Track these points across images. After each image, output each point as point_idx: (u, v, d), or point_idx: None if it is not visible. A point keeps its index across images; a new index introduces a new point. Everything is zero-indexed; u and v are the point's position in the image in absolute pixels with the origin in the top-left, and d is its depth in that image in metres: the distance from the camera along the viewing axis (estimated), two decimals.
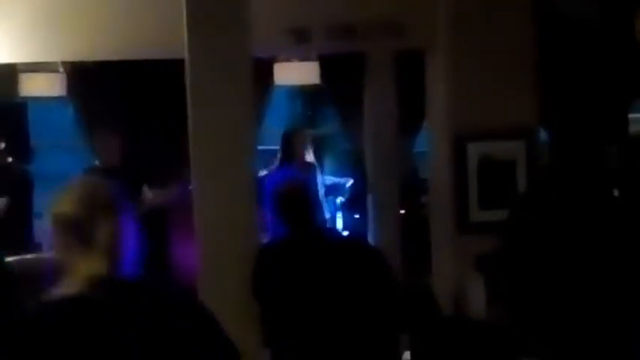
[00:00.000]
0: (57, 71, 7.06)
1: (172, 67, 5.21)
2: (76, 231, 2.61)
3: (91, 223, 2.61)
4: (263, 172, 7.33)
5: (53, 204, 2.69)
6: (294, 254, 4.18)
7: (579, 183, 3.68)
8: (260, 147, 6.90)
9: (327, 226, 7.10)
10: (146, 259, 2.62)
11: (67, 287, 2.56)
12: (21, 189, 6.74)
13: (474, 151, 5.37)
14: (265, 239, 5.66)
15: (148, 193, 6.82)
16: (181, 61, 4.93)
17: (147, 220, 5.71)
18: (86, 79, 7.06)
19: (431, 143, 5.85)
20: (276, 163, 7.54)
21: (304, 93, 8.85)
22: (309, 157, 7.63)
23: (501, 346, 4.20)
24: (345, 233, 7.81)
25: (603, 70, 7.38)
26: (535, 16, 5.51)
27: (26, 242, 6.49)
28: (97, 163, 7.09)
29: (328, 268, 4.10)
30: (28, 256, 4.97)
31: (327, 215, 7.65)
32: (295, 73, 7.39)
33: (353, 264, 4.15)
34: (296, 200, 4.20)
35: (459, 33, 5.41)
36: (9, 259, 4.33)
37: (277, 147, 7.73)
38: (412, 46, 5.67)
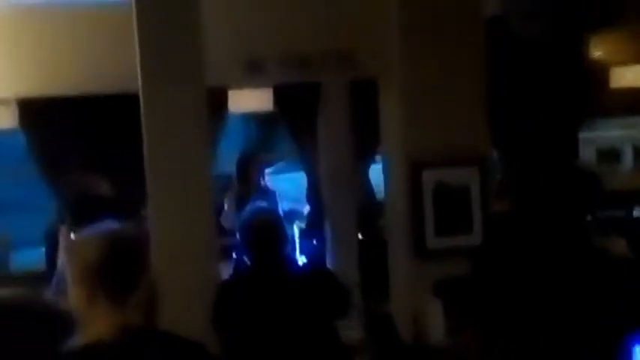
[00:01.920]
0: (8, 103, 7.01)
1: (126, 101, 5.21)
2: (106, 279, 2.48)
3: (123, 271, 2.49)
4: (226, 201, 7.34)
5: (74, 250, 2.55)
6: (257, 287, 4.19)
7: (534, 206, 3.72)
8: (216, 173, 6.92)
9: (289, 255, 7.10)
10: None
11: (88, 337, 2.45)
12: None
13: (429, 177, 5.41)
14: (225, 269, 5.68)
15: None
16: (135, 95, 4.95)
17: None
18: (38, 111, 7.00)
19: (386, 169, 5.89)
20: (234, 189, 7.55)
21: (259, 119, 8.88)
22: (266, 182, 7.65)
23: None
24: (304, 260, 7.83)
25: (554, 91, 7.47)
26: (486, 38, 5.57)
27: None
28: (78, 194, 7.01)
29: (289, 300, 4.11)
30: None
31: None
32: (249, 100, 7.39)
33: (314, 295, 4.16)
34: (267, 233, 4.21)
35: (411, 61, 5.46)
36: None
37: (232, 172, 7.74)
38: (365, 75, 5.71)
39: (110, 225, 2.65)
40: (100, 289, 2.46)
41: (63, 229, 6.57)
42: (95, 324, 2.47)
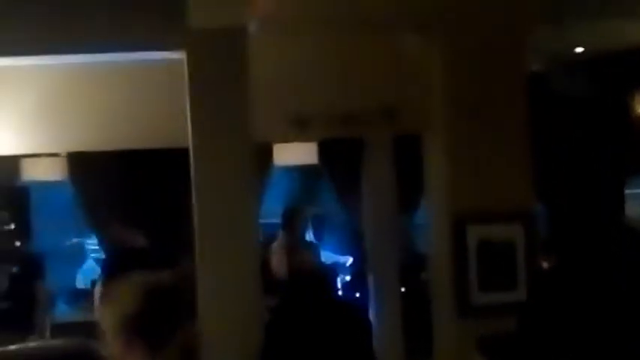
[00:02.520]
0: (57, 155, 7.15)
1: (171, 156, 5.31)
2: (143, 330, 2.44)
3: (160, 321, 2.44)
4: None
5: (108, 304, 2.53)
6: (305, 331, 4.22)
7: (583, 263, 3.70)
8: (261, 221, 7.01)
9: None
10: None
11: None
12: (31, 271, 6.78)
13: (473, 233, 5.41)
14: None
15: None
16: (180, 150, 5.05)
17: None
18: (86, 164, 7.14)
19: (430, 224, 5.89)
20: (278, 239, 7.61)
21: (303, 172, 8.94)
22: (309, 235, 7.70)
23: None
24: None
25: (599, 148, 7.47)
26: (529, 94, 5.59)
27: (32, 327, 6.52)
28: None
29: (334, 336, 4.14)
30: (36, 342, 4.96)
31: None
32: (294, 153, 7.48)
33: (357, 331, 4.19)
34: (318, 279, 4.25)
35: (455, 115, 5.49)
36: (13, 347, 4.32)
37: (276, 221, 7.81)
38: (408, 129, 5.75)
39: (147, 275, 2.64)
40: (136, 340, 2.44)
41: (98, 284, 6.66)
42: None
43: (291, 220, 7.70)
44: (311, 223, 7.92)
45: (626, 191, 7.84)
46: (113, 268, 6.63)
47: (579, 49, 7.17)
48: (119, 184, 7.32)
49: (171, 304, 2.51)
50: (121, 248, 6.97)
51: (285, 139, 5.96)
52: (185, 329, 2.50)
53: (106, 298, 2.52)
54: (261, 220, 7.38)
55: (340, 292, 7.90)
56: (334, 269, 7.71)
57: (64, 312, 8.13)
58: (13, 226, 6.70)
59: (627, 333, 3.43)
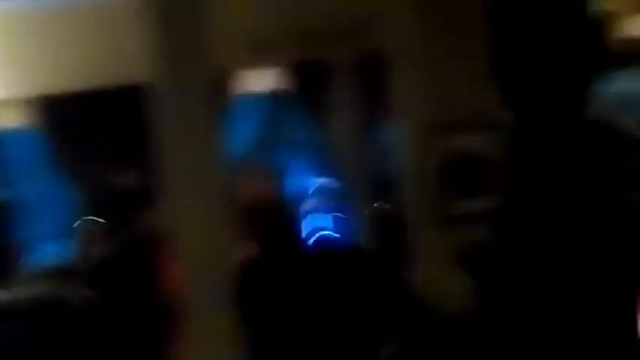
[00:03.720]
0: (25, 103, 7.06)
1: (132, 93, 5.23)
2: None
3: None
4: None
5: None
6: (278, 267, 4.21)
7: (554, 164, 3.69)
8: (230, 155, 6.96)
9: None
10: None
11: None
12: (5, 219, 6.74)
13: (444, 144, 5.41)
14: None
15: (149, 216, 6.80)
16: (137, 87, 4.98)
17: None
18: (54, 109, 7.05)
19: (400, 139, 5.88)
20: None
21: (269, 99, 8.88)
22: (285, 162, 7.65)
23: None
24: (334, 235, 7.84)
25: (562, 44, 7.42)
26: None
27: (9, 274, 6.50)
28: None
29: (313, 276, 4.14)
30: (16, 290, 4.98)
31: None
32: (259, 80, 7.42)
33: (336, 272, 4.18)
34: (276, 212, 4.23)
35: (419, 28, 5.44)
36: None
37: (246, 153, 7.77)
38: (374, 45, 5.70)
39: None
40: None
41: (84, 223, 6.64)
42: None
43: (262, 149, 7.65)
44: (280, 150, 7.85)
45: (594, 87, 7.82)
46: (100, 208, 6.60)
47: None
48: (89, 127, 7.24)
49: None
50: (103, 189, 6.94)
51: (247, 66, 5.88)
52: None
53: None
54: (231, 155, 7.36)
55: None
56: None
57: (44, 257, 8.12)
58: None
59: (603, 226, 3.45)
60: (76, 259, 6.77)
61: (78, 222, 6.86)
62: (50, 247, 8.02)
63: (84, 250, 6.71)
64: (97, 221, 6.76)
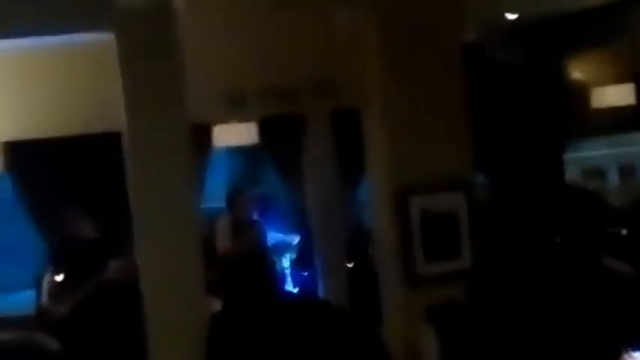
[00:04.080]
0: None
1: (109, 140, 5.23)
2: None
3: None
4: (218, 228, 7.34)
5: None
6: (249, 319, 4.18)
7: (526, 228, 3.73)
8: (203, 206, 6.95)
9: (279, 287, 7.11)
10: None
11: None
12: None
13: (416, 204, 5.42)
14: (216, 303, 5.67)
15: (113, 267, 6.75)
16: (117, 134, 4.98)
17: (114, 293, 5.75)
18: (24, 154, 7.00)
19: (373, 198, 5.90)
20: (224, 219, 7.56)
21: (244, 153, 8.90)
22: (255, 215, 7.66)
23: None
24: (295, 291, 7.82)
25: (536, 113, 7.51)
26: (464, 65, 5.61)
27: None
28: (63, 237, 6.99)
29: (284, 332, 4.11)
30: None
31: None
32: (234, 134, 7.42)
33: (307, 325, 4.16)
34: (255, 266, 4.21)
35: (392, 89, 5.49)
36: None
37: (220, 205, 7.76)
38: (347, 104, 5.74)
39: None
40: None
41: (47, 275, 6.57)
42: None
43: (236, 201, 7.67)
44: (256, 204, 7.88)
45: (565, 156, 7.93)
46: (61, 260, 6.53)
47: (512, 16, 7.20)
48: (58, 173, 7.19)
49: None
50: (66, 239, 6.87)
51: (223, 119, 5.90)
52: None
53: None
54: (204, 205, 7.37)
55: (288, 272, 7.90)
56: (275, 252, 7.70)
57: (8, 306, 8.02)
58: None
59: (575, 293, 3.47)
60: (43, 308, 6.69)
61: (44, 271, 6.79)
62: (16, 295, 7.94)
63: (50, 300, 6.63)
64: (64, 271, 6.69)
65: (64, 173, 7.21)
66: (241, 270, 4.21)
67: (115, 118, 4.96)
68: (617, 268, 3.94)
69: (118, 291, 6.21)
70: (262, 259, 4.27)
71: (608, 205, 3.79)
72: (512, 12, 7.08)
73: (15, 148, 6.59)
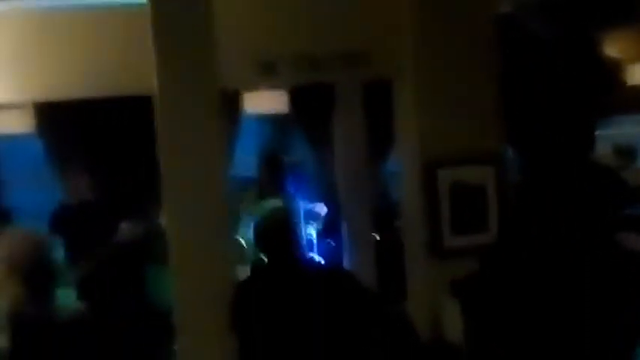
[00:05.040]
0: (24, 108, 7.04)
1: (140, 104, 5.23)
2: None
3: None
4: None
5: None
6: (274, 286, 4.20)
7: (552, 203, 3.69)
8: (232, 174, 6.96)
9: (305, 255, 7.12)
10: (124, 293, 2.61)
11: None
12: None
13: (445, 176, 5.41)
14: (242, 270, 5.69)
15: (125, 229, 6.79)
16: (148, 98, 4.97)
17: (124, 255, 5.75)
18: (54, 116, 7.03)
19: (401, 170, 5.88)
20: (253, 191, 7.56)
21: (274, 122, 8.88)
22: (287, 184, 7.65)
23: None
24: (321, 261, 7.83)
25: (569, 88, 7.43)
26: (498, 38, 5.56)
27: None
28: (67, 199, 7.06)
29: (307, 300, 4.12)
30: None
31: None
32: (264, 102, 7.40)
33: (332, 293, 4.16)
34: (280, 231, 4.23)
35: (424, 61, 5.46)
36: None
37: (248, 174, 7.75)
38: (378, 75, 5.71)
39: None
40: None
41: None
42: None
43: (266, 170, 7.65)
44: (287, 172, 7.87)
45: (597, 132, 7.84)
46: (56, 222, 6.53)
47: None
48: (87, 135, 7.23)
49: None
50: (67, 205, 6.92)
51: (254, 86, 5.88)
52: None
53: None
54: (234, 173, 7.37)
55: (314, 241, 7.90)
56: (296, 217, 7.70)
57: None
58: None
59: (595, 271, 3.44)
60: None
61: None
62: None
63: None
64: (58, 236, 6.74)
65: (93, 135, 7.25)
66: (266, 232, 4.22)
67: (147, 82, 4.95)
68: (633, 244, 3.90)
69: (132, 253, 6.25)
70: (287, 223, 4.27)
71: (628, 185, 3.74)
72: None
73: (44, 108, 6.61)
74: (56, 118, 7.11)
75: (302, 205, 8.00)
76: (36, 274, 3.09)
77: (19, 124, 7.10)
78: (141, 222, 6.86)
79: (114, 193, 7.10)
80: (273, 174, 7.57)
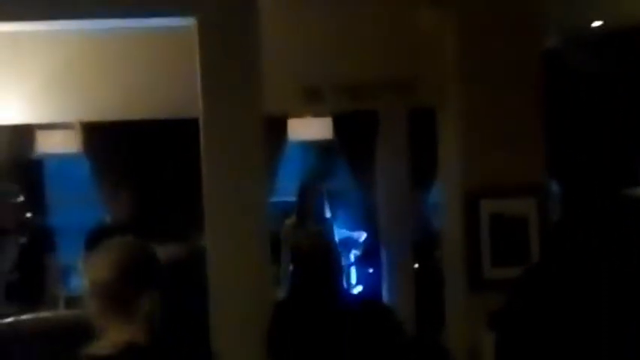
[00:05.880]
0: (72, 128, 7.16)
1: (186, 127, 5.28)
2: (114, 298, 2.58)
3: (131, 290, 2.58)
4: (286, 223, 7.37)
5: (88, 267, 2.64)
6: (311, 315, 4.20)
7: (594, 238, 3.66)
8: (274, 199, 6.99)
9: (344, 283, 7.12)
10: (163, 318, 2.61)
11: (98, 349, 2.56)
12: (42, 243, 6.76)
13: (486, 207, 5.39)
14: (279, 294, 5.70)
15: (160, 252, 6.81)
16: (195, 121, 5.01)
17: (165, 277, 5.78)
18: (101, 136, 7.14)
19: (443, 200, 5.87)
20: (293, 217, 7.57)
21: (318, 148, 8.92)
22: (327, 211, 7.65)
23: None
24: (360, 288, 7.82)
25: (612, 124, 7.40)
26: (544, 70, 5.55)
27: (44, 298, 6.52)
28: (106, 219, 7.13)
29: (343, 333, 4.11)
30: (45, 313, 4.97)
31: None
32: (308, 128, 7.46)
33: (368, 329, 4.16)
34: (320, 259, 4.24)
35: (469, 91, 5.46)
36: (25, 316, 4.32)
37: (291, 199, 7.78)
38: (423, 104, 5.72)
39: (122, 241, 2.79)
40: (108, 305, 2.57)
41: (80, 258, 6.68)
42: (106, 337, 2.57)
43: (307, 195, 7.66)
44: (327, 199, 7.86)
45: None
46: (92, 241, 6.59)
47: (596, 23, 7.09)
48: (132, 156, 7.31)
49: (138, 273, 2.64)
50: (105, 226, 6.97)
51: (299, 112, 5.93)
52: (150, 297, 2.63)
53: (83, 266, 2.65)
54: (276, 199, 7.40)
55: (353, 268, 7.90)
56: (341, 247, 7.68)
57: (79, 285, 8.14)
58: (22, 198, 6.66)
59: (631, 311, 3.40)
60: None
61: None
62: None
63: None
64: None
65: (139, 157, 7.33)
66: (309, 263, 4.22)
67: (194, 105, 5.00)
68: None
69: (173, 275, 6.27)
70: (330, 254, 4.28)
71: None
72: (597, 19, 6.98)
73: (92, 129, 6.72)
74: (103, 139, 7.20)
75: (342, 233, 8.01)
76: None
77: (66, 143, 7.23)
78: (183, 244, 6.89)
79: (156, 214, 7.15)
80: (311, 201, 7.56)
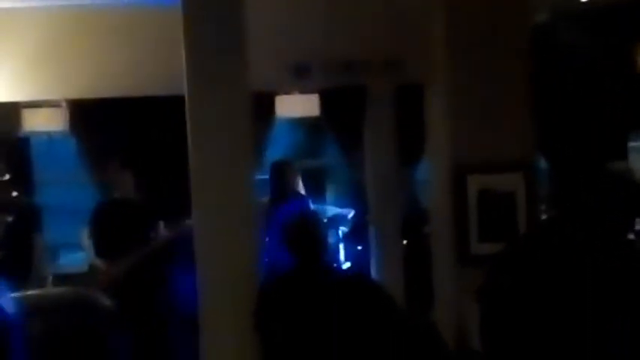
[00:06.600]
0: (59, 106, 7.12)
1: (173, 104, 5.25)
2: None
3: None
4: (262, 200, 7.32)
5: None
6: (299, 290, 4.20)
7: (580, 217, 3.66)
8: (262, 177, 6.97)
9: (330, 259, 7.11)
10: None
11: None
12: (28, 221, 6.74)
13: (474, 183, 5.39)
14: (265, 269, 5.69)
15: (163, 230, 6.81)
16: (182, 98, 4.99)
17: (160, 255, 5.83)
18: (87, 114, 7.10)
19: (431, 176, 5.87)
20: (268, 194, 7.53)
21: (305, 125, 8.90)
22: (301, 188, 7.61)
23: None
24: (348, 265, 7.83)
25: (601, 100, 7.40)
26: (532, 47, 5.54)
27: (31, 277, 6.51)
28: (114, 194, 7.08)
29: (331, 306, 4.12)
30: (34, 291, 4.96)
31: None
32: (296, 105, 7.43)
33: (356, 302, 4.16)
34: (308, 234, 4.24)
35: (457, 67, 5.44)
36: (14, 294, 4.30)
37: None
38: (411, 80, 5.71)
39: None
40: None
41: (84, 232, 6.67)
42: None
43: (277, 175, 7.58)
44: (302, 177, 7.78)
45: (630, 144, 7.80)
46: (99, 222, 6.58)
47: None
48: (119, 133, 7.27)
49: None
50: (109, 199, 6.95)
51: (286, 89, 5.90)
52: None
53: None
54: (263, 176, 7.37)
55: (342, 245, 7.90)
56: (330, 224, 7.65)
57: (67, 263, 8.14)
58: (8, 177, 6.63)
59: (619, 282, 3.41)
60: (94, 268, 6.79)
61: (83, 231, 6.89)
62: (72, 254, 8.06)
63: (100, 261, 6.72)
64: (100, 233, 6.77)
65: (126, 134, 7.29)
66: (294, 235, 4.23)
67: (181, 82, 4.97)
68: None
69: (169, 255, 6.29)
70: (314, 226, 4.28)
71: None
72: None
73: (78, 106, 6.67)
74: (90, 116, 7.17)
75: (331, 210, 8.01)
76: None
77: (52, 121, 7.19)
78: (177, 223, 6.89)
79: (150, 193, 7.13)
80: (282, 179, 7.51)
